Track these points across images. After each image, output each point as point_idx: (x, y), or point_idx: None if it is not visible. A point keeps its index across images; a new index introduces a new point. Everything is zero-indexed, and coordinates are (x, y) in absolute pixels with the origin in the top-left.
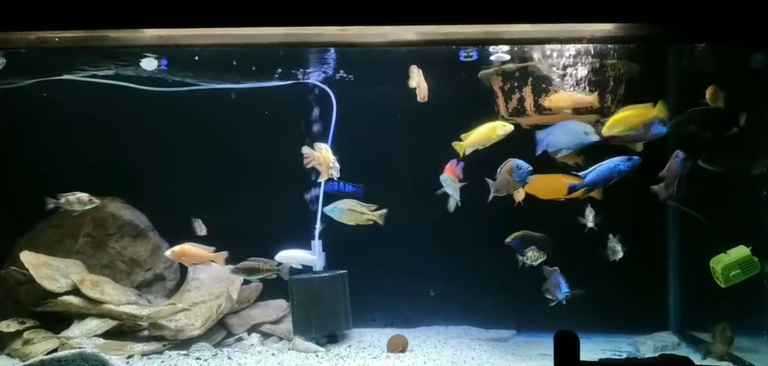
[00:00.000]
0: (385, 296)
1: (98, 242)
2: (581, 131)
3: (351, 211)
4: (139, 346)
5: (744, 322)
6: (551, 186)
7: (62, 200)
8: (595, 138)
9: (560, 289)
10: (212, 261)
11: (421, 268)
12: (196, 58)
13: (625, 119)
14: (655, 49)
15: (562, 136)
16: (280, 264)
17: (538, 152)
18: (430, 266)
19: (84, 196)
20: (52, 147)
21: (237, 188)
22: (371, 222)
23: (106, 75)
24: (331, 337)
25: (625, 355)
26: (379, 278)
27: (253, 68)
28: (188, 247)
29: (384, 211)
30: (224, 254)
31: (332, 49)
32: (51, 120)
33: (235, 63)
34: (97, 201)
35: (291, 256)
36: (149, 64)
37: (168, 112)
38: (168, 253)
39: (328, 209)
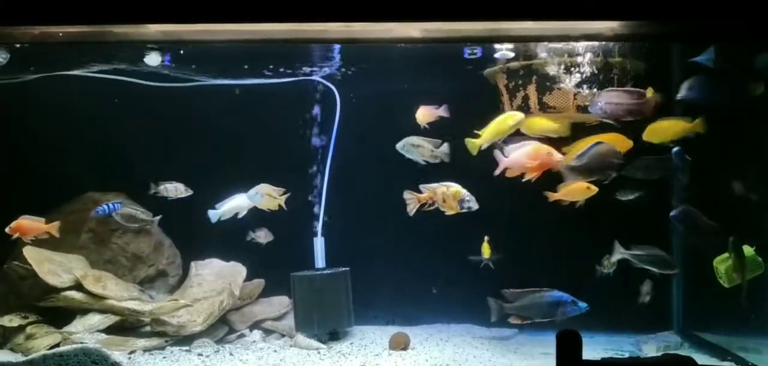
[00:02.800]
0: (387, 294)
1: (101, 238)
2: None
3: (269, 197)
4: (141, 342)
5: (748, 322)
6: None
7: (161, 188)
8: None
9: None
10: (47, 232)
11: (424, 265)
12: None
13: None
14: (660, 47)
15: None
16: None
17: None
18: (433, 264)
19: (180, 186)
20: (55, 142)
21: (242, 184)
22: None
23: (111, 70)
24: (332, 334)
25: (627, 355)
26: (382, 276)
27: (245, 65)
28: (22, 221)
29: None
30: (56, 224)
31: (337, 46)
32: (54, 115)
33: (232, 58)
34: (190, 191)
35: (232, 206)
36: (153, 59)
37: (173, 108)
38: (7, 229)
39: (251, 195)
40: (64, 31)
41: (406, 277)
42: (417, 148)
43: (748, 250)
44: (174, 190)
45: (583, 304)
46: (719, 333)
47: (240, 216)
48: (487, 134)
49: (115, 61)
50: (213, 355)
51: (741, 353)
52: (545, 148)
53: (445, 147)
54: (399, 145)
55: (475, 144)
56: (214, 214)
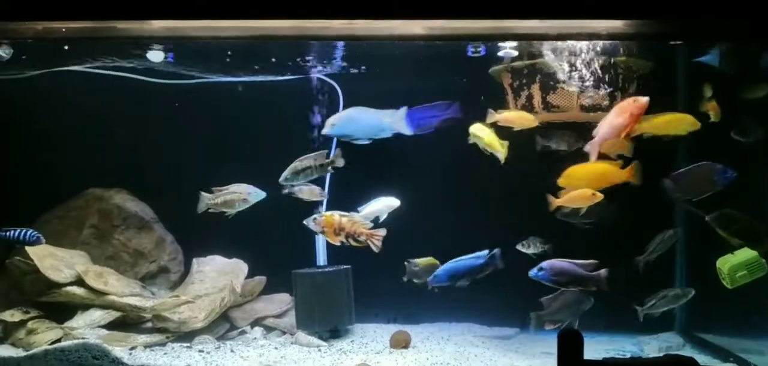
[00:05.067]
0: (389, 292)
1: (103, 233)
2: (376, 122)
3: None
4: (142, 338)
5: (751, 323)
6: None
7: (296, 189)
8: (402, 130)
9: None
10: None
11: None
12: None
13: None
14: (665, 47)
15: (354, 127)
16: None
17: (328, 132)
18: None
19: (316, 189)
20: (57, 138)
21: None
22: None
23: (113, 66)
24: (333, 332)
25: (629, 355)
26: (383, 274)
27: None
28: None
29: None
30: None
31: (340, 43)
32: (56, 111)
33: (230, 55)
34: (325, 196)
35: (375, 209)
36: (156, 56)
37: (174, 105)
38: None
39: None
40: (67, 27)
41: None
42: (302, 172)
43: (751, 250)
44: (309, 192)
45: (591, 299)
46: (722, 334)
47: (381, 219)
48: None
49: (120, 56)
50: (214, 351)
51: (743, 355)
52: (627, 102)
53: (337, 153)
54: (281, 179)
55: (494, 117)
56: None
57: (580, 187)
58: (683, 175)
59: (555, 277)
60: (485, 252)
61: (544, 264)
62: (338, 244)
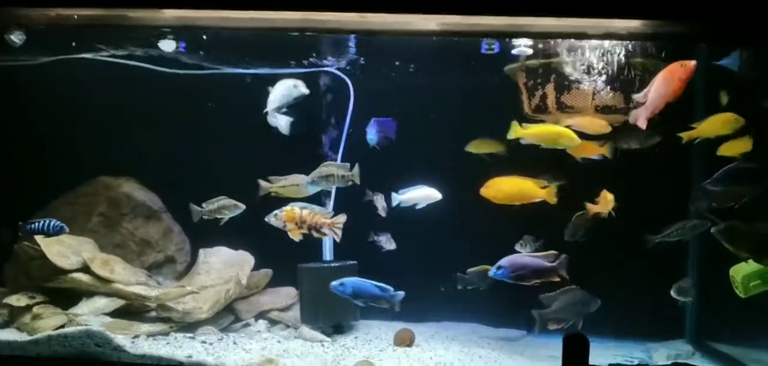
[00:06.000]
0: (396, 289)
1: (111, 222)
2: (290, 85)
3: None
4: (146, 327)
5: (764, 333)
6: (513, 190)
7: (375, 198)
8: (305, 92)
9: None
10: None
11: (433, 263)
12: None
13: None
14: (684, 48)
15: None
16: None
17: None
18: (442, 262)
19: (381, 200)
20: (67, 125)
21: (253, 173)
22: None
23: (124, 55)
24: (337, 328)
25: (636, 362)
26: (390, 271)
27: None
28: None
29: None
30: None
31: (352, 37)
32: (67, 98)
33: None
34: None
35: (415, 196)
36: (168, 45)
37: (185, 95)
38: None
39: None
40: (79, 14)
41: (414, 273)
42: (327, 179)
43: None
44: (381, 203)
45: (597, 300)
46: (733, 344)
47: (418, 207)
48: (532, 132)
49: (131, 45)
50: (216, 342)
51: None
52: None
53: (356, 170)
54: (308, 180)
55: (518, 132)
56: (396, 198)
57: (500, 198)
58: (719, 182)
59: (515, 274)
60: (391, 289)
61: (503, 261)
62: (300, 238)
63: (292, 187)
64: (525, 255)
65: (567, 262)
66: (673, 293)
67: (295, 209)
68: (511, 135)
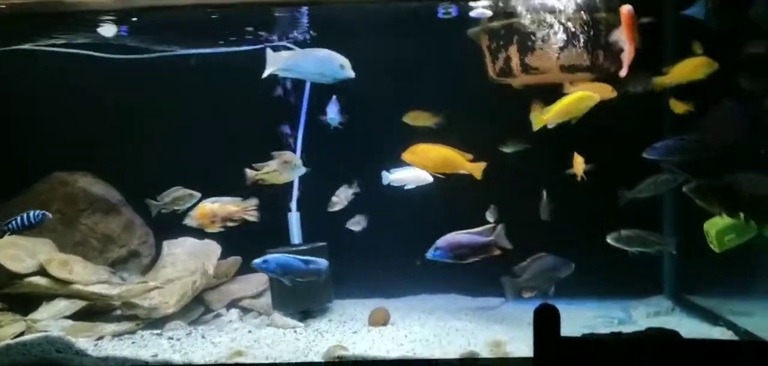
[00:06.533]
0: (370, 266)
1: (69, 219)
2: (336, 63)
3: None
4: (111, 327)
5: (740, 284)
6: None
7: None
8: (351, 74)
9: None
10: None
11: (407, 236)
12: None
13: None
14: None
15: (311, 65)
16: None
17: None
18: (416, 234)
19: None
20: (19, 119)
21: (211, 159)
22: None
23: (69, 43)
24: (304, 314)
25: (616, 322)
26: (363, 248)
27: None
28: None
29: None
30: None
31: (304, 10)
32: (16, 91)
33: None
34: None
35: (406, 177)
36: (108, 30)
37: (135, 81)
38: None
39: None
40: (8, 3)
41: (388, 248)
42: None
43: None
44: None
45: (571, 264)
46: (710, 296)
47: (407, 187)
48: (556, 111)
49: (75, 33)
50: (184, 337)
51: (732, 316)
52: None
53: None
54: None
55: (541, 120)
56: (386, 177)
57: (424, 165)
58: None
59: (453, 253)
60: (317, 261)
61: (440, 242)
62: (217, 230)
63: (275, 172)
64: (461, 233)
65: (504, 231)
66: (610, 240)
67: (206, 206)
68: (537, 126)
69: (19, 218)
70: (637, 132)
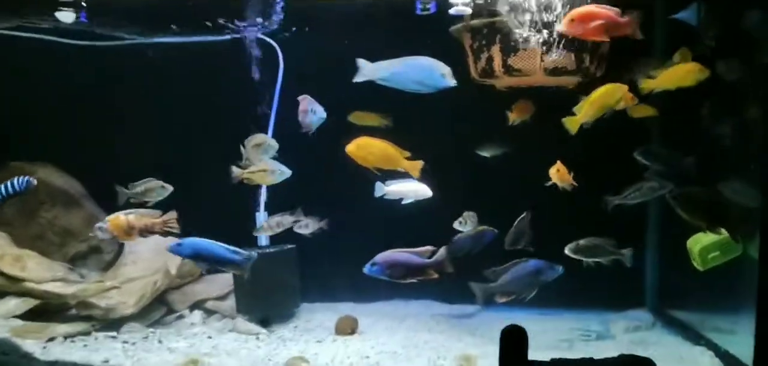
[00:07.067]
0: (341, 269)
1: (27, 211)
2: (438, 73)
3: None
4: (63, 328)
5: (723, 300)
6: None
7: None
8: (453, 82)
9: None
10: None
11: (381, 237)
12: None
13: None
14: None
15: (411, 74)
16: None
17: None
18: (392, 235)
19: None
20: None
21: (177, 151)
22: None
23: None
24: (263, 322)
25: (593, 336)
26: (334, 250)
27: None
28: None
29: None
30: None
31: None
32: None
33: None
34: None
35: (402, 190)
36: (66, 16)
37: (99, 69)
38: None
39: None
40: None
41: (360, 251)
42: (258, 147)
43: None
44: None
45: (559, 267)
46: (692, 312)
47: (404, 202)
48: (587, 109)
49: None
50: (140, 341)
51: (714, 334)
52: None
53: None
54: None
55: (575, 122)
56: (380, 189)
57: (366, 159)
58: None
59: (390, 271)
60: (242, 252)
61: (377, 258)
62: (134, 242)
63: (262, 172)
64: (399, 251)
65: (447, 256)
66: (567, 251)
67: (120, 217)
68: (573, 130)
69: (3, 186)
70: (622, 137)
